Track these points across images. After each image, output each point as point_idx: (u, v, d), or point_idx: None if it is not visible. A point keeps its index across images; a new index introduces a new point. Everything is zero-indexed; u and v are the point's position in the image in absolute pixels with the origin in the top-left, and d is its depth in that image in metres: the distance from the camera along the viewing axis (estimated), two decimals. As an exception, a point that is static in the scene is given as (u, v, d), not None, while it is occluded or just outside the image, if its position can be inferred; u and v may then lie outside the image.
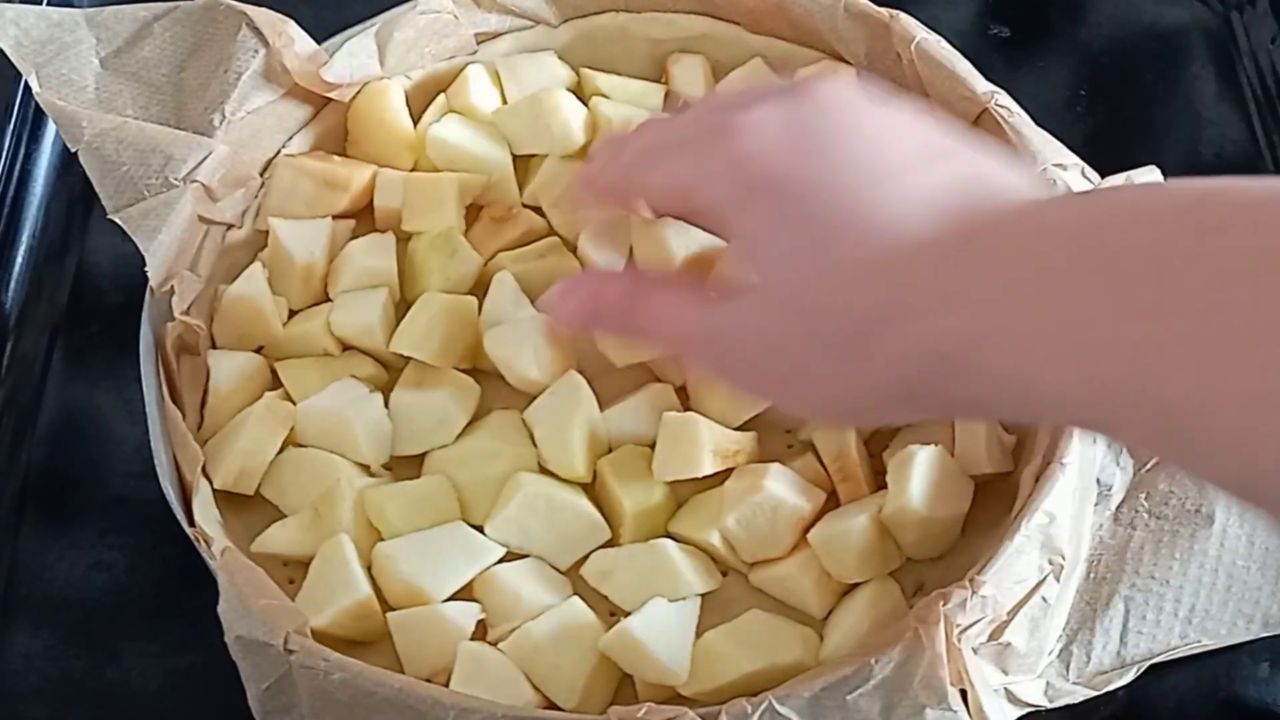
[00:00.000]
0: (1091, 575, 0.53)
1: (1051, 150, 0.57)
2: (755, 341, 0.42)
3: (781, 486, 0.52)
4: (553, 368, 0.55)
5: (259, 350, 0.58)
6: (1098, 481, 0.54)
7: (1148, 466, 0.55)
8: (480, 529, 0.53)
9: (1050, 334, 0.35)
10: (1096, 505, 0.54)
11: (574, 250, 0.60)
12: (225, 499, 0.54)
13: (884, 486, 0.52)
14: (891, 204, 0.40)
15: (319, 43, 0.61)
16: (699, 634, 0.51)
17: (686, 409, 0.55)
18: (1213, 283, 0.32)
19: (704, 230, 0.49)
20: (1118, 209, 0.37)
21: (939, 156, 0.42)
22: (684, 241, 0.57)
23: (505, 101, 0.64)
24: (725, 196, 0.43)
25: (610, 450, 0.55)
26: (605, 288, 0.49)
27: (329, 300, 0.60)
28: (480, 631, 0.51)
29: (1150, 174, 0.58)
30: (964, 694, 0.46)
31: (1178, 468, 0.36)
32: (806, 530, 0.52)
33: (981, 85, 0.59)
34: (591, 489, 0.55)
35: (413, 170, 0.63)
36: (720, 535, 0.52)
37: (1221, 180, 0.35)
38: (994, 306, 0.37)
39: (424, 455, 0.56)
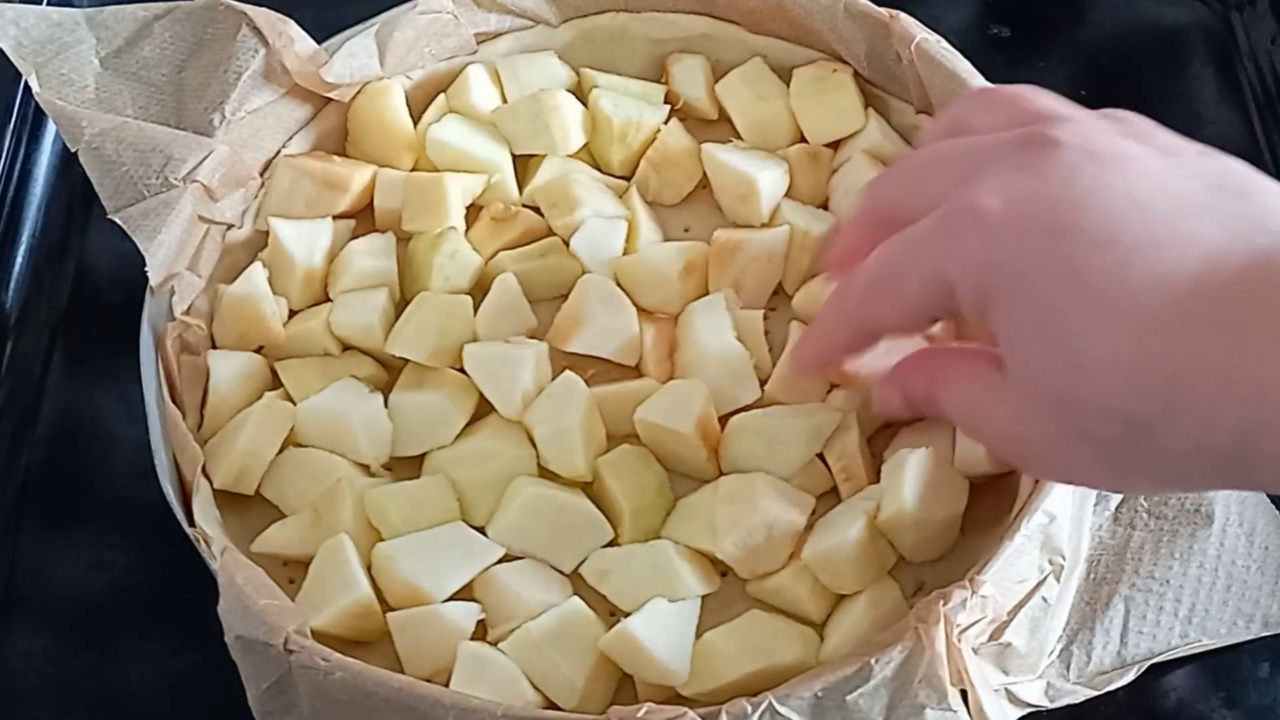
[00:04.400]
0: (1091, 575, 0.53)
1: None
2: (1029, 433, 0.40)
3: (773, 503, 0.52)
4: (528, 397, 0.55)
5: (259, 350, 0.58)
6: (1098, 481, 0.54)
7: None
8: (481, 530, 0.53)
9: None
10: (1096, 505, 0.54)
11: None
12: (225, 499, 0.54)
13: (885, 488, 0.52)
14: (1154, 282, 0.36)
15: (319, 43, 0.61)
16: (699, 634, 0.50)
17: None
18: None
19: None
20: None
21: (1206, 208, 0.38)
22: (672, 259, 0.59)
23: (505, 101, 0.64)
24: (971, 300, 0.40)
25: (608, 449, 0.55)
26: (910, 385, 0.47)
27: (329, 300, 0.60)
28: (480, 631, 0.51)
29: None
30: (964, 694, 0.46)
31: None
32: (801, 538, 0.52)
33: (982, 85, 0.59)
34: (589, 489, 0.55)
35: (413, 170, 0.63)
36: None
37: None
38: None
39: (424, 455, 0.56)
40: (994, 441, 0.43)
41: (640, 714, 0.45)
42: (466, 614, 0.51)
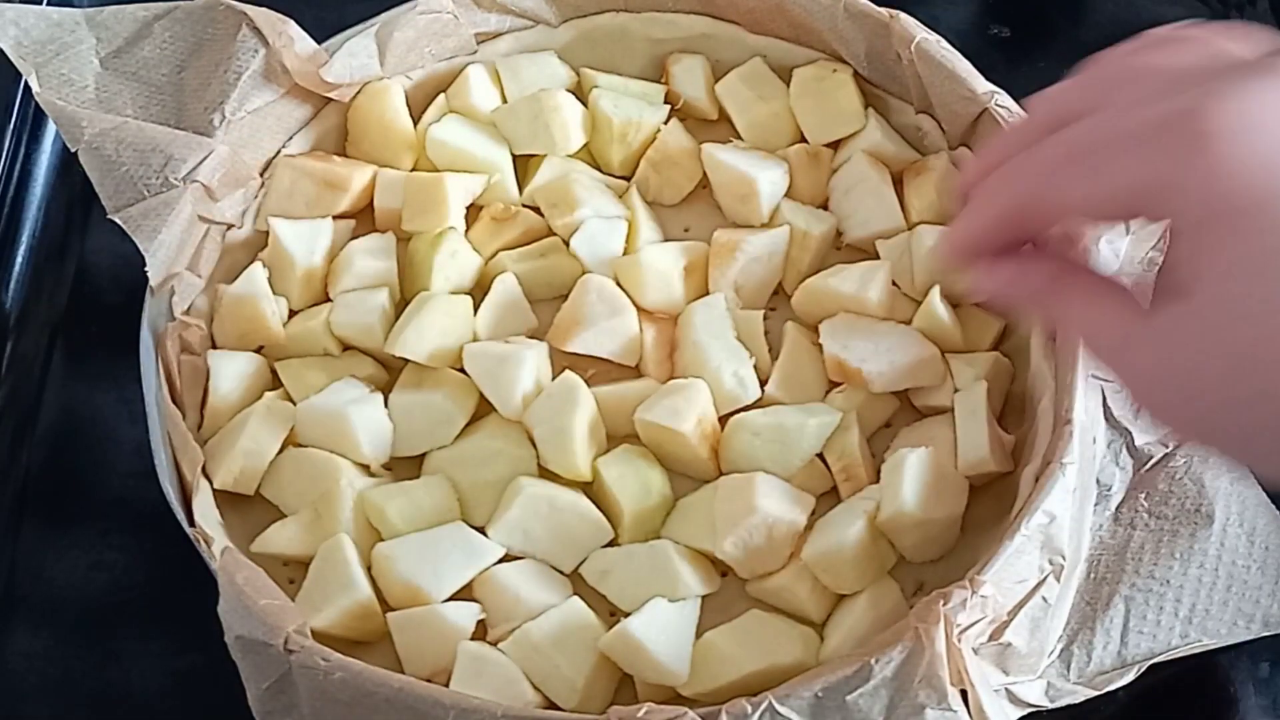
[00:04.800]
0: (1092, 575, 0.53)
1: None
2: (1183, 379, 0.36)
3: (773, 503, 0.52)
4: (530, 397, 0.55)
5: (259, 350, 0.58)
6: (1098, 481, 0.54)
7: (1148, 466, 0.55)
8: (481, 530, 0.53)
9: None
10: (1096, 505, 0.54)
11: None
12: (225, 499, 0.54)
13: (885, 487, 0.52)
14: None
15: (319, 43, 0.61)
16: (699, 634, 0.51)
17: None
18: None
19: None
20: None
21: None
22: (672, 259, 0.59)
23: (505, 101, 0.64)
24: (1185, 218, 0.36)
25: (608, 449, 0.55)
26: (1030, 272, 0.43)
27: (329, 300, 0.60)
28: (480, 631, 0.51)
29: None
30: (964, 694, 0.46)
31: None
32: (801, 538, 0.52)
33: (981, 85, 0.59)
34: (589, 489, 0.55)
35: (413, 170, 0.63)
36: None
37: None
38: None
39: (424, 455, 0.56)
40: (1120, 370, 0.39)
41: (640, 714, 0.45)
42: (466, 614, 0.51)
